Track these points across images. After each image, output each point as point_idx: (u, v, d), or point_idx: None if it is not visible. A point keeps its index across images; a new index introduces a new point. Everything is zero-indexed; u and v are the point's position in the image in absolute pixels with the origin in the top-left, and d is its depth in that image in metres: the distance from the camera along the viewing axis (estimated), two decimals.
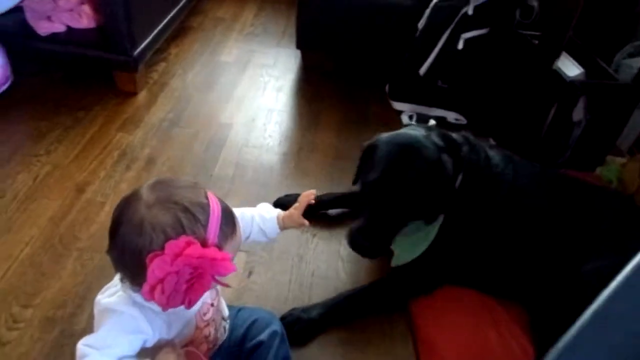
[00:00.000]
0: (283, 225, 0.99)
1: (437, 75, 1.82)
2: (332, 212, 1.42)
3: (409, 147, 1.07)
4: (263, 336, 0.94)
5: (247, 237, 0.96)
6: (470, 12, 1.65)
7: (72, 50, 1.66)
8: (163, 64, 1.97)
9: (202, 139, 1.63)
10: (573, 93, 1.49)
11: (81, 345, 0.69)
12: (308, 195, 1.01)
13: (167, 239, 0.64)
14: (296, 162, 1.60)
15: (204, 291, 0.66)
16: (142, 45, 1.70)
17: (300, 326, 1.09)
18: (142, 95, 1.78)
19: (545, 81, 1.58)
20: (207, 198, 0.70)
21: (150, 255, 0.63)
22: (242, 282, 1.21)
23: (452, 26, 1.69)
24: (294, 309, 1.12)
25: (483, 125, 1.78)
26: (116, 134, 1.58)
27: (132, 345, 0.72)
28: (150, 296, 0.62)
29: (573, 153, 1.57)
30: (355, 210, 1.41)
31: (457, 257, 1.19)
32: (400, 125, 1.81)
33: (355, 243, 1.09)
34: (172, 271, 0.61)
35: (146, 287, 0.62)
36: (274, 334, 0.96)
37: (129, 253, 0.65)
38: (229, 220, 0.71)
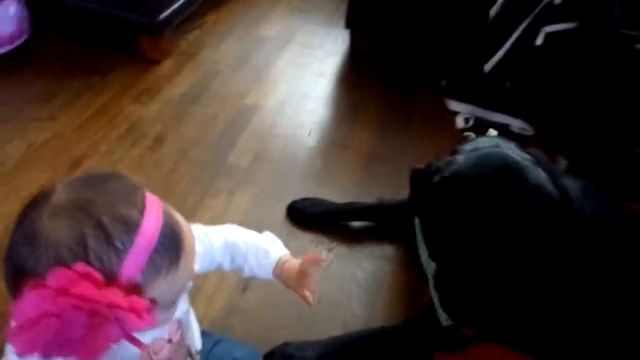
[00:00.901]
0: (280, 277, 0.77)
1: (505, 74, 1.52)
2: (355, 224, 1.19)
3: (510, 175, 0.77)
4: None
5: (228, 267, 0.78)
6: (557, 0, 1.35)
7: (96, 7, 1.52)
8: (196, 32, 1.79)
9: (222, 120, 1.44)
10: None
11: None
12: (312, 261, 0.72)
13: (58, 263, 0.44)
14: (324, 160, 1.38)
15: (101, 347, 0.45)
16: (171, 9, 1.52)
17: None
18: (166, 65, 1.61)
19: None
20: (142, 212, 0.49)
21: (32, 282, 0.43)
22: (234, 298, 1.02)
23: (532, 16, 1.39)
24: (286, 344, 0.91)
25: (553, 140, 1.48)
26: (129, 105, 1.42)
27: None
28: (16, 341, 0.42)
29: None
30: (382, 226, 1.18)
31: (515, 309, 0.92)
32: (453, 128, 1.54)
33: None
34: (50, 312, 0.41)
35: (12, 327, 0.42)
36: None
37: (13, 271, 0.46)
38: (169, 246, 0.49)
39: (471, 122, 1.58)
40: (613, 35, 1.37)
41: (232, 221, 1.13)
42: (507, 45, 1.44)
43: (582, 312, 0.87)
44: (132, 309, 0.43)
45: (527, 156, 0.86)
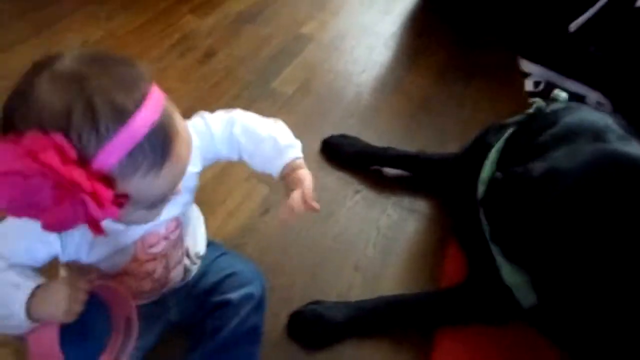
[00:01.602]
0: (283, 182, 0.71)
1: (592, 38, 1.36)
2: (390, 171, 1.14)
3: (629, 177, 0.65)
4: (234, 295, 0.76)
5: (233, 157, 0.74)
6: None
7: None
8: None
9: (274, 44, 1.39)
10: None
11: None
12: (301, 202, 0.67)
13: (39, 126, 0.43)
14: (371, 101, 1.31)
15: (64, 221, 0.44)
16: None
17: (321, 328, 0.85)
18: None
19: None
20: (138, 104, 0.46)
21: (10, 136, 0.42)
22: (253, 219, 1.01)
23: None
24: (315, 303, 0.88)
25: (634, 120, 1.32)
26: (185, 15, 1.41)
27: (31, 254, 0.56)
28: None
29: None
30: (417, 178, 1.12)
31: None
32: (519, 91, 1.41)
33: None
34: (16, 170, 0.41)
35: None
36: (247, 296, 0.76)
37: (3, 119, 0.46)
38: (156, 148, 0.47)
39: (541, 87, 1.44)
40: None
41: None
42: (601, 2, 1.27)
43: None
44: (94, 196, 0.42)
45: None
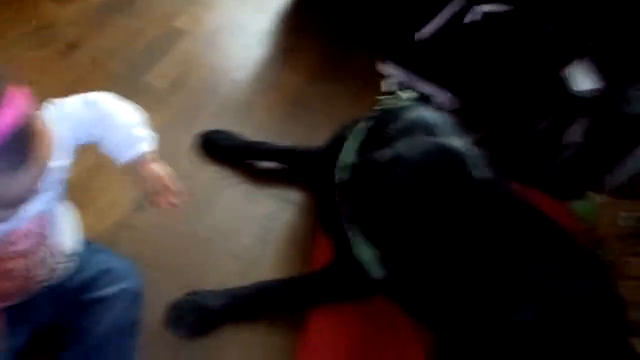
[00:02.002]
0: (133, 170, 0.75)
1: (436, 46, 1.56)
2: (265, 165, 1.20)
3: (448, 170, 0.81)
4: (108, 291, 0.76)
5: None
6: None
7: None
8: None
9: (145, 37, 1.36)
10: (573, 110, 1.27)
11: None
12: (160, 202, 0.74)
13: None
14: (246, 96, 1.36)
15: None
16: None
17: (198, 316, 0.88)
18: None
19: (545, 86, 1.34)
20: None
21: None
22: (125, 216, 1.01)
23: None
24: (192, 293, 0.91)
25: (475, 115, 1.55)
26: (44, 1, 1.31)
27: None
28: None
29: (557, 174, 1.37)
30: (292, 170, 1.20)
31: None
32: (379, 89, 1.57)
33: None
34: None
35: None
36: (123, 292, 0.77)
37: None
38: (13, 152, 0.47)
39: (397, 87, 1.61)
40: (535, 21, 1.43)
41: None
42: (443, 16, 1.47)
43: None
44: None
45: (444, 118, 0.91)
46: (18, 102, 0.48)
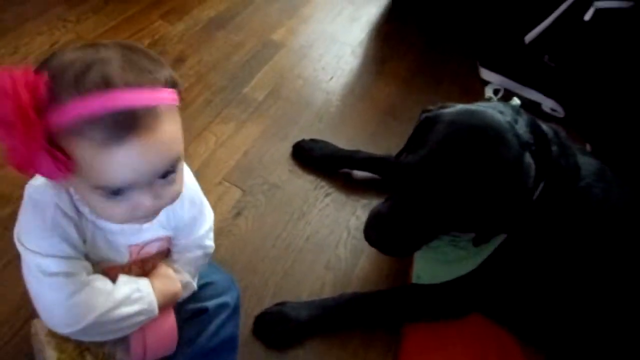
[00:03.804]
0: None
1: (545, 49, 1.45)
2: (358, 174, 1.18)
3: (482, 133, 0.74)
4: (210, 303, 0.76)
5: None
6: None
7: None
8: None
9: (245, 51, 1.42)
10: None
11: (16, 241, 0.58)
12: None
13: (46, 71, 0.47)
14: (340, 107, 1.35)
15: (20, 156, 0.46)
16: None
17: (285, 328, 0.87)
18: None
19: None
20: (128, 84, 0.47)
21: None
22: (225, 222, 1.03)
23: None
24: (280, 304, 0.91)
25: (584, 125, 1.41)
26: (156, 21, 1.41)
27: (56, 246, 0.57)
28: None
29: None
30: (385, 182, 1.16)
31: (508, 289, 0.91)
32: (481, 98, 1.49)
33: (367, 229, 0.83)
34: None
35: None
36: (223, 305, 0.77)
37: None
38: (117, 127, 0.46)
39: (501, 94, 1.52)
40: None
41: (237, 149, 1.16)
42: (553, 16, 1.36)
43: (578, 296, 0.86)
44: (26, 132, 0.44)
45: (549, 132, 0.83)
46: (155, 95, 0.49)
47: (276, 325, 0.87)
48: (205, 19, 1.47)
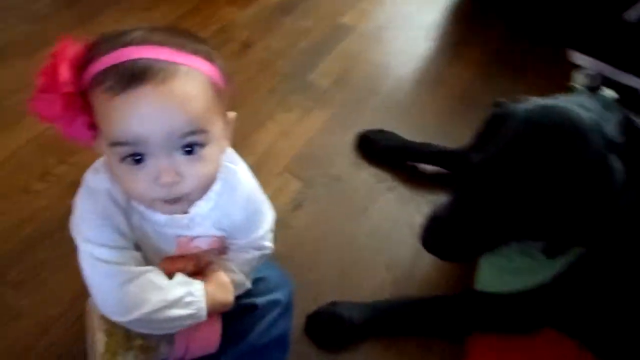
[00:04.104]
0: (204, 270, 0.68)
1: None
2: (426, 168, 1.11)
3: (559, 131, 0.66)
4: (260, 300, 0.73)
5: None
6: None
7: None
8: None
9: (313, 36, 1.38)
10: None
11: (71, 229, 0.60)
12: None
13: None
14: (410, 95, 1.27)
15: (43, 113, 0.49)
16: None
17: (337, 328, 0.83)
18: None
19: None
20: (162, 44, 0.49)
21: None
22: (284, 214, 1.01)
23: None
24: (333, 304, 0.86)
25: None
26: (224, 7, 1.41)
27: (107, 235, 0.57)
28: None
29: None
30: (454, 178, 1.08)
31: (585, 306, 0.81)
32: (568, 84, 1.34)
33: (424, 233, 0.78)
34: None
35: None
36: (274, 302, 0.74)
37: None
38: (129, 75, 0.47)
39: (592, 81, 1.35)
40: None
41: (300, 138, 1.13)
42: None
43: None
44: (67, 91, 0.47)
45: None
46: (187, 57, 0.50)
47: (329, 326, 0.84)
48: (272, 5, 1.45)
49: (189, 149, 0.51)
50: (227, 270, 0.67)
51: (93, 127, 0.51)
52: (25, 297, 0.84)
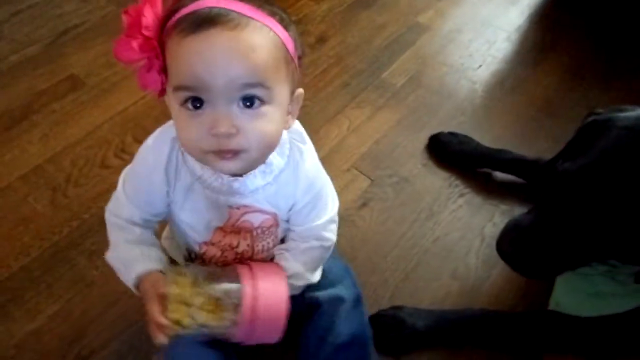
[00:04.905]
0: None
1: None
2: (500, 176, 1.05)
3: None
4: (322, 295, 0.71)
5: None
6: None
7: None
8: None
9: (388, 33, 1.34)
10: None
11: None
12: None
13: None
14: (487, 99, 1.22)
15: (122, 54, 0.49)
16: None
17: (399, 334, 0.80)
18: None
19: None
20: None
21: None
22: (349, 212, 0.99)
23: None
24: (397, 308, 0.84)
25: None
26: (304, 0, 1.41)
27: (149, 196, 0.62)
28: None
29: None
30: (532, 189, 1.02)
31: None
32: None
33: (502, 241, 0.74)
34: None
35: None
36: (336, 300, 0.72)
37: None
38: (202, 19, 0.48)
39: None
40: None
41: (370, 135, 1.11)
42: None
43: None
44: (146, 37, 0.48)
45: None
46: (257, 12, 0.50)
47: (390, 330, 0.81)
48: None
49: (249, 103, 0.50)
50: (281, 259, 0.66)
51: (165, 71, 0.51)
52: (97, 267, 0.87)
